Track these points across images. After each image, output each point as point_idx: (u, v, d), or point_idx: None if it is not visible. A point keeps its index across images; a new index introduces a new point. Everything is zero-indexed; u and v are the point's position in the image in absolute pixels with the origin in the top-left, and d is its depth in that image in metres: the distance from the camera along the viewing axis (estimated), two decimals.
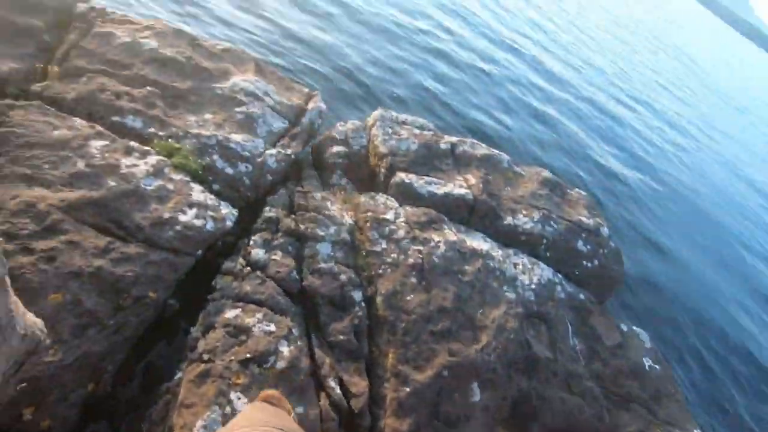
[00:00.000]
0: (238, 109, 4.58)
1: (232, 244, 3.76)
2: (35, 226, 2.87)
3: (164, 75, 4.46)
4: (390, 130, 5.48)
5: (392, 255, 4.02)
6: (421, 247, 4.15)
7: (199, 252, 3.38)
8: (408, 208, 4.59)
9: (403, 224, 4.35)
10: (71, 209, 3.04)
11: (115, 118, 3.86)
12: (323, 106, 5.53)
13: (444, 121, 8.91)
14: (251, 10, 8.93)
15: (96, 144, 3.52)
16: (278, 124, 4.83)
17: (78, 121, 3.64)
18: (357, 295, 3.64)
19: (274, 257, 3.66)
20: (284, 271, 3.58)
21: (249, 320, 3.12)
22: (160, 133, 3.93)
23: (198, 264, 3.37)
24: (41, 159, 3.24)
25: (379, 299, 3.69)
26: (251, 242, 3.72)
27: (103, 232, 3.06)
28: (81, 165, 3.33)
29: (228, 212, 3.71)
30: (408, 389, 3.22)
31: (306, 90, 5.66)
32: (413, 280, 3.86)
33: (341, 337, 3.34)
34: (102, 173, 3.34)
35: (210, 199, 3.69)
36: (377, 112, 5.78)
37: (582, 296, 4.72)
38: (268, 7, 9.39)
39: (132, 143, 3.70)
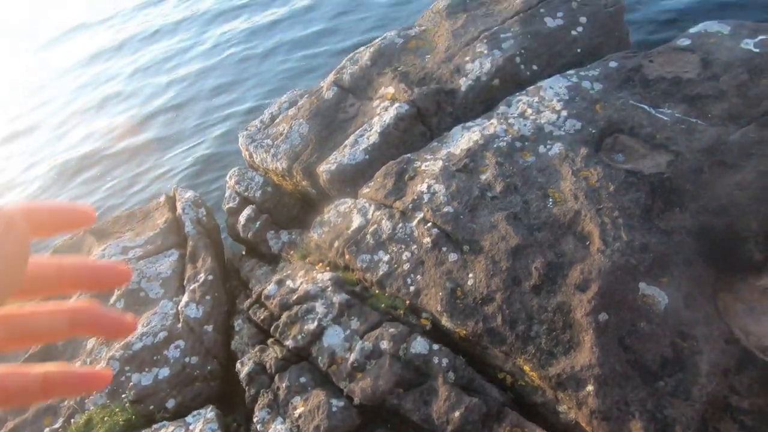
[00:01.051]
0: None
1: None
2: None
3: None
4: (265, 142, 4.06)
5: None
6: None
7: None
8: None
9: None
10: None
11: None
12: (190, 194, 4.12)
13: None
14: None
15: None
16: (164, 266, 3.48)
17: None
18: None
19: (295, 413, 2.46)
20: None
21: None
22: None
23: None
24: None
25: None
26: (255, 421, 2.50)
27: None
28: None
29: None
30: None
31: (156, 201, 4.19)
32: None
33: None
34: None
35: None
36: (241, 139, 4.34)
37: None
38: None
39: None
